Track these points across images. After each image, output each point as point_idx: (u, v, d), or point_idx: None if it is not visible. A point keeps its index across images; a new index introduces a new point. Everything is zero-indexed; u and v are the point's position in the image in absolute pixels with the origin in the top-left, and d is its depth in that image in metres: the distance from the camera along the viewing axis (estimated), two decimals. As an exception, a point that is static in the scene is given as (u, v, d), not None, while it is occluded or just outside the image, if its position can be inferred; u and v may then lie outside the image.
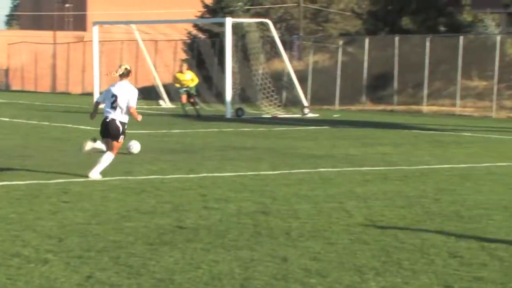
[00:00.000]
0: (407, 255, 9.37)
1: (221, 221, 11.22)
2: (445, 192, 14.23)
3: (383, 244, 9.92)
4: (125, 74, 15.74)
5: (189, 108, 35.84)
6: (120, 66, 15.87)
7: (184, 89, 35.87)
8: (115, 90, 15.63)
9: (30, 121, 30.51)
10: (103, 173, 15.65)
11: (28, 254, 9.14)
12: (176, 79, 36.70)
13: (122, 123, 15.61)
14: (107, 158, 15.65)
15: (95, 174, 15.42)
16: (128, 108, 15.52)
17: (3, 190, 13.69)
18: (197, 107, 36.11)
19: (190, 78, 36.04)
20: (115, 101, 15.51)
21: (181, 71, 36.84)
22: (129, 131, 24.44)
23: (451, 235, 10.51)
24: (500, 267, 8.86)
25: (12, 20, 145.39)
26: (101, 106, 16.15)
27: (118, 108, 15.50)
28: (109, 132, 15.66)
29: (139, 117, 15.89)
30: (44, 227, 10.60)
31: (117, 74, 15.67)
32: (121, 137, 15.75)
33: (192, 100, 36.02)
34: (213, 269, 8.58)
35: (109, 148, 15.68)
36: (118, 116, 15.53)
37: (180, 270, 8.52)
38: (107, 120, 15.64)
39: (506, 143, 24.68)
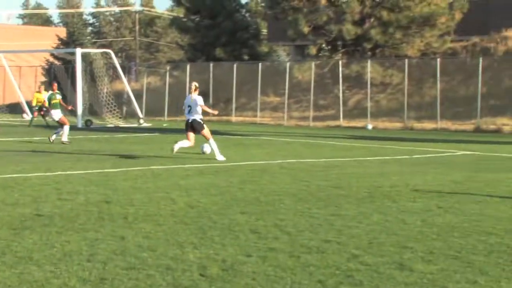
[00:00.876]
0: (218, 232, 9.40)
1: (72, 209, 10.98)
2: (248, 182, 14.38)
3: (200, 224, 9.92)
4: (194, 90, 18.80)
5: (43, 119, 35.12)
6: (192, 85, 19.00)
7: (37, 107, 35.28)
8: (189, 100, 18.89)
9: None
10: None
11: None
12: (35, 98, 35.87)
13: (200, 119, 18.82)
14: (212, 142, 19.11)
15: (220, 157, 18.79)
16: (200, 109, 18.70)
17: None
18: (47, 119, 35.35)
19: (47, 96, 35.32)
20: (191, 108, 18.77)
21: (39, 91, 36.07)
22: (-3, 139, 23.56)
23: (252, 215, 10.62)
24: (289, 239, 8.99)
25: None
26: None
27: (193, 111, 18.72)
28: (194, 128, 18.84)
29: (215, 111, 20.00)
30: None
31: (192, 90, 18.81)
32: (204, 126, 18.91)
33: (42, 112, 35.23)
34: (65, 248, 8.37)
35: (205, 136, 19.11)
36: (196, 116, 18.76)
37: (38, 250, 8.27)
38: (190, 120, 18.90)
39: (293, 145, 25.16)
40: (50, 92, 26.00)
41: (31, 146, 23.09)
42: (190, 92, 19.09)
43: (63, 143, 23.95)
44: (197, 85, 19.01)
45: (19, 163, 17.55)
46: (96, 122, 36.96)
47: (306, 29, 41.57)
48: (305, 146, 24.04)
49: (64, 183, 13.98)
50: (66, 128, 24.78)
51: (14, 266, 7.51)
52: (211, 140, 19.13)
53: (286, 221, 10.19)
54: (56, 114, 25.01)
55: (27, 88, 52.25)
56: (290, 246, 8.61)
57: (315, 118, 39.93)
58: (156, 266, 7.56)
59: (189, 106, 18.91)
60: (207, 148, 19.89)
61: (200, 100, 18.71)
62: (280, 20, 44.12)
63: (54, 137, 24.49)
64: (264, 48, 55.76)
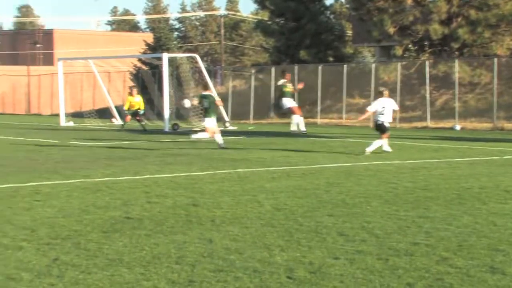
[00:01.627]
0: (305, 234, 9.39)
1: (160, 212, 11.14)
2: (334, 185, 14.32)
3: (287, 226, 9.93)
4: (381, 94, 20.77)
5: (137, 124, 35.70)
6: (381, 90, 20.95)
7: (129, 112, 35.89)
8: (384, 103, 20.65)
9: (8, 137, 29.96)
10: (67, 176, 15.48)
11: (6, 242, 8.96)
12: (128, 101, 36.48)
13: (387, 123, 20.93)
14: (378, 142, 21.00)
15: (371, 148, 20.83)
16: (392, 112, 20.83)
17: (-13, 192, 13.42)
18: (143, 123, 35.93)
19: (138, 101, 36.00)
20: (383, 110, 20.48)
21: (131, 95, 36.65)
22: (88, 143, 24.17)
23: (338, 218, 10.57)
24: (376, 242, 8.93)
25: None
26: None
27: (386, 114, 20.42)
28: (381, 129, 20.80)
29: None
30: (20, 221, 10.41)
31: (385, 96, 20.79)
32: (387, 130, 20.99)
33: (138, 118, 35.91)
34: (154, 250, 8.50)
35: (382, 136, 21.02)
36: (386, 119, 20.39)
37: (128, 252, 8.43)
38: (379, 122, 20.75)
39: (379, 146, 24.93)
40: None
41: (120, 150, 23.52)
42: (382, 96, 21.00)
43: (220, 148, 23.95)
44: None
45: (109, 167, 17.90)
46: (183, 126, 37.39)
47: (391, 30, 41.15)
48: (391, 148, 23.79)
49: (153, 186, 14.19)
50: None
51: (105, 268, 7.67)
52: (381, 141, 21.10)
53: (373, 224, 10.11)
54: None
55: (116, 93, 53.25)
56: (378, 248, 8.54)
57: (402, 119, 39.47)
58: (243, 269, 7.61)
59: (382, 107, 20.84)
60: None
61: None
62: (365, 21, 43.79)
63: (196, 136, 24.53)
64: (349, 50, 55.49)
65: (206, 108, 24.26)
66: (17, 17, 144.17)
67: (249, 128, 38.81)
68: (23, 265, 7.83)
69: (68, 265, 7.79)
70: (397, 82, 40.82)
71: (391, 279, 7.19)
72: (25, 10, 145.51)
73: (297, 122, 24.59)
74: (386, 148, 21.64)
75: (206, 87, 25.07)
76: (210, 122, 24.21)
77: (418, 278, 7.22)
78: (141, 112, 35.83)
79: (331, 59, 51.06)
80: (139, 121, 35.83)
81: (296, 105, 24.60)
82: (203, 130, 24.76)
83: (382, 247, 8.59)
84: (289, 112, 24.70)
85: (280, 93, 25.00)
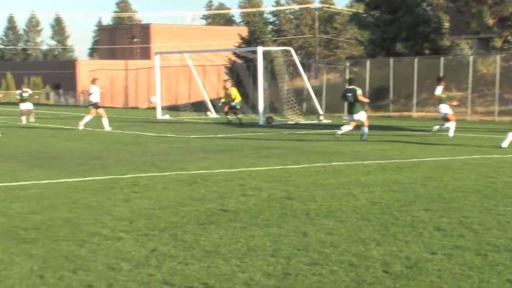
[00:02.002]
0: (401, 229, 9.29)
1: (255, 205, 11.20)
2: (431, 179, 14.12)
3: (382, 220, 9.85)
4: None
5: (233, 117, 35.94)
6: None
7: (222, 102, 36.29)
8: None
9: (104, 131, 30.62)
10: (163, 169, 15.74)
11: (106, 233, 9.17)
12: (225, 95, 36.72)
13: None
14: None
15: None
16: None
17: (87, 183, 13.75)
18: (239, 116, 36.12)
19: (233, 93, 36.16)
20: None
21: (227, 87, 36.88)
22: (184, 136, 24.46)
23: (435, 212, 10.42)
24: (475, 237, 8.76)
25: (93, 52, 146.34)
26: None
27: None
28: None
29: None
30: (118, 212, 10.63)
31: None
32: None
33: (234, 111, 36.12)
34: (249, 243, 8.56)
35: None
36: None
37: (224, 244, 8.50)
38: None
39: (478, 140, 24.46)
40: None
41: (215, 143, 23.76)
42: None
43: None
44: None
45: (205, 159, 18.10)
46: (277, 119, 37.50)
47: (490, 21, 40.28)
48: (490, 142, 23.31)
49: (248, 179, 14.28)
50: None
51: (202, 259, 7.76)
52: None
53: (471, 219, 9.92)
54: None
55: (210, 87, 53.79)
56: (476, 244, 8.38)
57: (501, 113, 38.58)
58: (339, 262, 7.58)
59: None
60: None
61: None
62: (463, 13, 42.97)
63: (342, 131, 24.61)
64: (446, 42, 54.58)
65: (351, 103, 24.16)
66: (116, 12, 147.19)
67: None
68: (122, 255, 8.00)
69: (165, 256, 7.92)
70: (496, 75, 39.93)
71: (491, 275, 7.05)
72: (123, 5, 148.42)
73: (449, 127, 24.84)
74: None
75: (350, 82, 25.07)
76: (363, 114, 24.25)
77: (519, 275, 7.05)
78: (235, 104, 35.97)
79: (427, 51, 50.33)
80: (235, 114, 36.03)
81: (452, 112, 24.96)
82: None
83: (481, 243, 8.43)
84: (444, 118, 25.09)
85: (440, 100, 25.21)
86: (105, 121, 31.41)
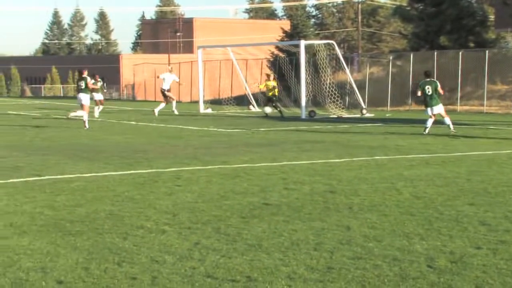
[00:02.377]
0: (445, 223, 9.22)
1: (298, 199, 11.20)
2: (475, 173, 13.99)
3: (426, 215, 9.78)
4: None
5: (273, 111, 36.03)
6: None
7: (266, 96, 36.44)
8: None
9: (150, 124, 30.83)
10: (206, 162, 15.82)
11: (150, 226, 9.23)
12: (265, 85, 36.91)
13: None
14: None
15: None
16: None
17: (131, 177, 13.85)
18: (279, 109, 36.19)
19: (273, 85, 36.41)
20: None
21: (269, 79, 37.07)
22: (226, 130, 24.48)
23: (480, 207, 10.33)
24: (520, 232, 8.67)
25: (137, 46, 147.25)
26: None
27: None
28: None
29: None
30: (162, 205, 10.70)
31: None
32: None
33: (274, 104, 36.27)
34: (292, 236, 8.56)
35: None
36: None
37: (267, 238, 8.52)
38: None
39: (524, 134, 24.18)
40: None
41: (258, 137, 23.77)
42: None
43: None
44: None
45: (247, 153, 18.13)
46: (320, 113, 37.41)
47: (536, 14, 39.69)
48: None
49: (290, 173, 14.27)
50: None
51: (245, 253, 7.78)
52: None
53: (517, 214, 9.81)
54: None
55: (253, 80, 53.82)
56: (522, 239, 8.28)
57: (547, 106, 38.13)
58: (382, 257, 7.55)
59: None
60: None
61: None
62: (509, 5, 42.42)
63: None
64: (491, 35, 53.92)
65: (431, 95, 24.06)
66: (159, 6, 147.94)
67: (387, 115, 38.41)
68: (166, 248, 8.05)
69: (209, 249, 7.96)
70: (542, 68, 39.37)
71: (537, 271, 6.96)
72: (166, 0, 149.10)
73: None
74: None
75: (428, 75, 25.13)
76: (441, 107, 24.15)
77: None
78: (271, 97, 36.28)
79: (472, 44, 49.79)
80: (275, 107, 36.12)
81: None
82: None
83: (527, 238, 8.33)
84: None
85: None
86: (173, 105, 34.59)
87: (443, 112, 24.20)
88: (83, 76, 28.61)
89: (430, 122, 24.02)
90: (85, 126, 27.50)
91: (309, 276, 6.87)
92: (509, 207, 10.27)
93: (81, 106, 28.17)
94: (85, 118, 27.84)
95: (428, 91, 23.98)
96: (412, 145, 19.93)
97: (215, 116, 37.69)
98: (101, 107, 38.19)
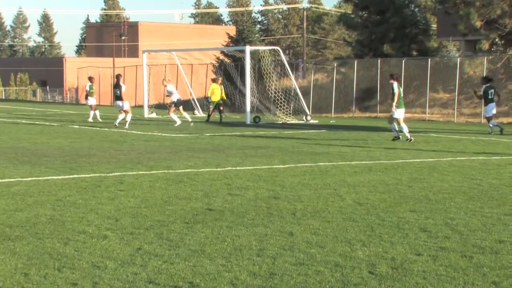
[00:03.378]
0: (387, 230, 9.31)
1: (241, 204, 11.19)
2: (417, 180, 14.15)
3: (368, 221, 9.86)
4: None
5: (217, 116, 36.10)
6: None
7: (211, 102, 36.43)
8: None
9: (93, 128, 30.55)
10: (149, 167, 15.71)
11: (91, 231, 9.13)
12: (211, 88, 36.95)
13: None
14: None
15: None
16: None
17: (73, 181, 13.70)
18: (222, 115, 36.26)
19: (221, 89, 36.56)
20: None
21: (217, 82, 37.09)
22: (170, 135, 24.32)
23: (421, 214, 10.44)
24: (460, 239, 8.78)
25: (81, 49, 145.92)
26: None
27: None
28: None
29: None
30: (104, 210, 10.60)
31: None
32: None
33: (221, 108, 36.37)
34: (235, 242, 8.55)
35: None
36: None
37: (210, 243, 8.49)
38: None
39: (464, 142, 24.54)
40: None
41: (201, 142, 23.73)
42: None
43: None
44: None
45: (191, 158, 18.08)
46: (264, 118, 37.51)
47: (478, 24, 40.36)
48: (476, 144, 23.40)
49: (234, 178, 14.27)
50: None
51: (187, 258, 7.75)
52: None
53: (457, 220, 9.95)
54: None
55: (198, 85, 53.75)
56: (462, 245, 8.40)
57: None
58: (325, 263, 7.58)
59: None
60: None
61: None
62: (451, 15, 43.07)
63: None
64: (433, 44, 54.71)
65: (492, 99, 25.45)
66: (104, 9, 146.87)
67: (331, 121, 38.68)
68: (107, 253, 7.98)
69: (151, 255, 7.90)
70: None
71: (476, 277, 7.06)
72: (111, 3, 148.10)
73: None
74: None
75: (489, 80, 26.44)
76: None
77: (504, 276, 7.07)
78: (210, 102, 36.49)
79: (415, 53, 50.46)
80: (220, 111, 36.14)
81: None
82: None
83: (466, 244, 8.45)
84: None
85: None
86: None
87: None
88: (119, 83, 31.30)
89: (494, 123, 25.43)
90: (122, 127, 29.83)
91: (252, 282, 6.87)
92: (449, 214, 10.41)
93: (124, 112, 30.66)
94: (128, 118, 30.43)
95: (491, 95, 25.56)
96: (355, 152, 20.10)
97: (160, 121, 37.51)
98: (96, 112, 37.24)
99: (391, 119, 23.87)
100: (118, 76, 32.06)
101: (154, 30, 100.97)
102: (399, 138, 23.85)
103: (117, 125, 30.63)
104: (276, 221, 9.83)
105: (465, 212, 10.60)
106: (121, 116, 31.76)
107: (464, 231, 9.24)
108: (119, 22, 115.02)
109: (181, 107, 33.18)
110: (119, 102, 30.83)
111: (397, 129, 23.97)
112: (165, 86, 34.15)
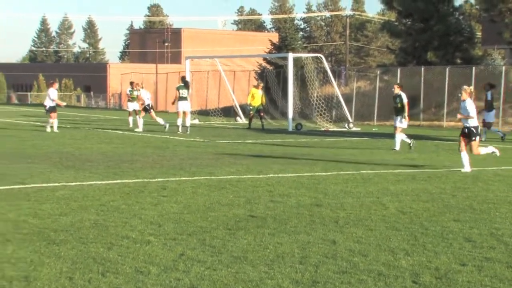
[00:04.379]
0: (431, 239, 9.23)
1: (284, 212, 11.18)
2: (461, 189, 14.02)
3: (412, 230, 9.79)
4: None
5: (259, 123, 36.04)
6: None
7: (251, 107, 36.25)
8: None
9: (137, 134, 30.75)
10: (192, 173, 15.79)
11: (135, 236, 9.20)
12: (251, 93, 36.87)
13: (474, 127, 17.56)
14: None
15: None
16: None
17: (116, 186, 13.80)
18: (264, 121, 36.18)
19: (262, 95, 36.42)
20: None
21: (257, 87, 36.99)
22: (212, 141, 24.37)
23: (465, 223, 10.34)
24: (506, 249, 8.68)
25: (124, 56, 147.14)
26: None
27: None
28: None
29: None
30: (147, 216, 10.66)
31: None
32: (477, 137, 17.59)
33: (261, 114, 36.25)
34: (277, 249, 8.54)
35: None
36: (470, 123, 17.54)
37: (252, 250, 8.50)
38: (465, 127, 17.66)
39: (508, 151, 24.26)
40: None
41: (244, 148, 23.75)
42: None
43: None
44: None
45: (233, 165, 18.11)
46: (306, 126, 37.45)
47: (523, 31, 39.94)
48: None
49: (276, 185, 14.26)
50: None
51: (230, 265, 7.76)
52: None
53: (502, 230, 9.84)
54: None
55: (240, 92, 53.86)
56: (507, 256, 8.30)
57: (532, 124, 38.30)
58: (368, 271, 7.54)
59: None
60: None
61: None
62: (496, 23, 42.66)
63: None
64: (478, 52, 54.19)
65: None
66: (147, 16, 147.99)
67: (373, 129, 38.49)
68: (150, 259, 8.02)
69: (193, 261, 7.93)
70: (528, 85, 39.58)
71: (521, 288, 6.98)
72: (154, 10, 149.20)
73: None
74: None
75: None
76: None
77: (550, 289, 6.97)
78: (250, 107, 36.34)
79: (459, 61, 50.01)
80: (261, 117, 36.06)
81: None
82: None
83: (512, 255, 8.35)
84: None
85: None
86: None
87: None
88: (186, 80, 31.94)
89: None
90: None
91: (294, 290, 6.85)
92: (494, 224, 10.30)
93: (184, 113, 30.93)
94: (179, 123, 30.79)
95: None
96: (398, 160, 19.97)
97: (202, 127, 37.65)
98: (137, 120, 33.62)
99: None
100: (183, 77, 32.45)
101: (197, 37, 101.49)
102: (412, 143, 23.62)
103: (181, 131, 30.55)
104: (319, 229, 9.81)
105: (511, 222, 10.47)
106: (160, 120, 32.14)
107: (509, 241, 9.13)
108: (162, 28, 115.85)
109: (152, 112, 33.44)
110: (186, 103, 30.82)
111: (405, 138, 23.78)
112: (138, 90, 34.10)
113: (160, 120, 32.90)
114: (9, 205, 11.38)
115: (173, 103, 32.29)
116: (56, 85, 32.81)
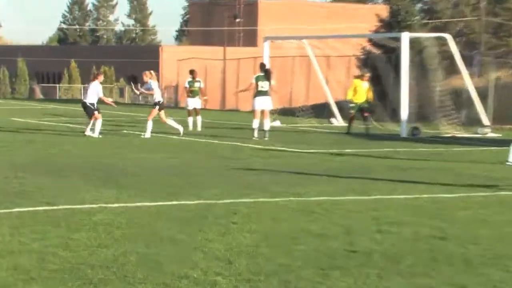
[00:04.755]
0: None
1: (395, 246, 11.17)
2: None
3: None
4: None
5: (362, 126, 35.77)
6: None
7: (352, 105, 35.68)
8: None
9: (198, 139, 31.00)
10: (272, 193, 15.87)
11: (196, 276, 9.30)
12: (353, 86, 36.44)
13: None
14: None
15: None
16: None
17: (172, 209, 13.97)
18: (369, 124, 35.84)
19: (367, 88, 35.73)
20: None
21: (361, 78, 36.55)
22: (299, 150, 24.49)
23: None
24: None
25: (182, 36, 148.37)
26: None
27: None
28: None
29: None
30: (213, 249, 10.76)
31: None
32: None
33: (366, 114, 35.66)
34: (387, 296, 8.55)
35: None
36: None
37: (352, 297, 8.52)
38: None
39: None
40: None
41: (341, 160, 23.73)
42: None
43: None
44: None
45: (326, 182, 18.14)
46: (426, 130, 37.18)
47: None
48: None
49: (384, 210, 14.24)
50: None
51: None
52: None
53: None
54: None
55: (336, 84, 53.61)
56: None
57: None
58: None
59: None
60: None
61: None
62: None
63: None
64: None
65: None
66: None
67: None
68: (217, 306, 8.11)
69: (274, 310, 7.99)
70: None
71: None
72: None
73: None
74: None
75: None
76: None
77: None
78: (366, 105, 35.57)
79: None
80: (365, 118, 35.62)
81: None
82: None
83: None
84: None
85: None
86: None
87: None
88: (267, 69, 31.61)
89: None
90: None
91: None
92: None
93: (262, 113, 30.83)
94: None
95: None
96: (552, 178, 19.71)
97: (285, 131, 37.73)
98: (196, 121, 35.95)
99: None
100: (263, 65, 32.24)
101: (278, 11, 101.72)
102: None
103: (257, 136, 30.53)
104: (444, 270, 9.76)
105: None
106: (256, 122, 31.84)
107: None
108: (232, 0, 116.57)
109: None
110: (266, 100, 30.35)
111: None
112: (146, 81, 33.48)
113: (173, 123, 32.50)
114: (33, 233, 11.62)
115: (241, 91, 32.30)
116: (102, 77, 33.25)
